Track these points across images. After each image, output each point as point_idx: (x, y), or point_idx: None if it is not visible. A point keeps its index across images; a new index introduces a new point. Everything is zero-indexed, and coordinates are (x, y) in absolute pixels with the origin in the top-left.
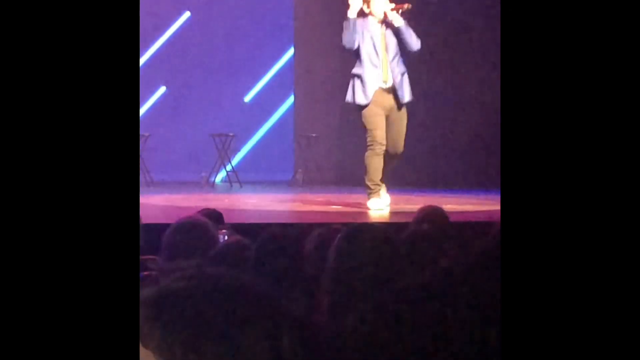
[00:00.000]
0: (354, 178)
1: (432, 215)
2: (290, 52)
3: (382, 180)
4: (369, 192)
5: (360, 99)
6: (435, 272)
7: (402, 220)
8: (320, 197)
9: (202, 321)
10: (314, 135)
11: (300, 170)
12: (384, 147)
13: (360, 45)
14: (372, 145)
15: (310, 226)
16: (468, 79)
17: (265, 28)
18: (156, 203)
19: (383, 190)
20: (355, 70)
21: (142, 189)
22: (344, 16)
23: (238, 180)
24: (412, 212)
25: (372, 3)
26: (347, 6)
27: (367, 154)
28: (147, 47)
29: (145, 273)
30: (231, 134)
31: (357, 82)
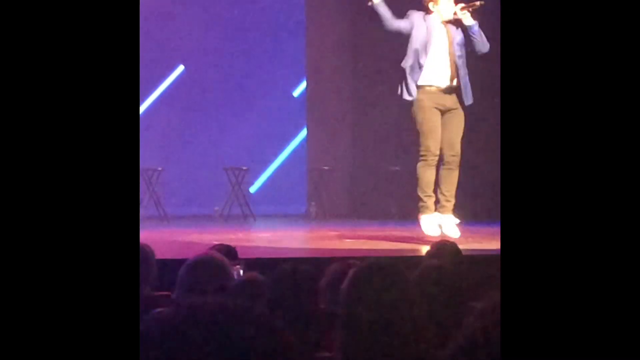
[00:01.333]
0: (367, 211)
1: (445, 250)
2: (303, 84)
3: (450, 194)
4: (420, 204)
5: (408, 94)
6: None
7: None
8: (334, 231)
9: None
10: (326, 168)
11: (313, 203)
12: (437, 157)
13: (425, 41)
14: (425, 155)
15: (325, 261)
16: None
17: (278, 60)
18: (170, 238)
19: (450, 218)
20: (404, 64)
21: (156, 223)
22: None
23: (252, 213)
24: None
25: (440, 2)
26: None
27: (419, 164)
28: (162, 78)
29: (159, 310)
30: (244, 168)
31: (409, 77)
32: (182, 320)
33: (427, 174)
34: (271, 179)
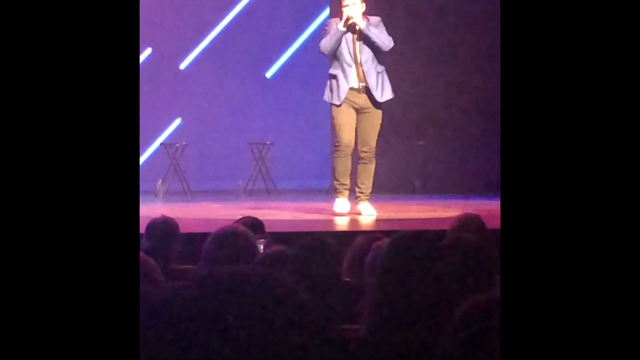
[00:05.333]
0: (390, 186)
1: (470, 223)
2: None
3: (365, 186)
4: (335, 191)
5: (334, 99)
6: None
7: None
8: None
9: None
10: None
11: None
12: (350, 149)
13: (343, 47)
14: (337, 147)
15: (350, 234)
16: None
17: (303, 32)
18: (194, 212)
19: (364, 201)
20: (331, 71)
21: (180, 198)
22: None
23: (275, 187)
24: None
25: (344, 7)
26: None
27: (333, 155)
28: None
29: (184, 283)
30: (268, 142)
31: (333, 82)
32: (201, 290)
33: (339, 164)
34: (295, 152)
